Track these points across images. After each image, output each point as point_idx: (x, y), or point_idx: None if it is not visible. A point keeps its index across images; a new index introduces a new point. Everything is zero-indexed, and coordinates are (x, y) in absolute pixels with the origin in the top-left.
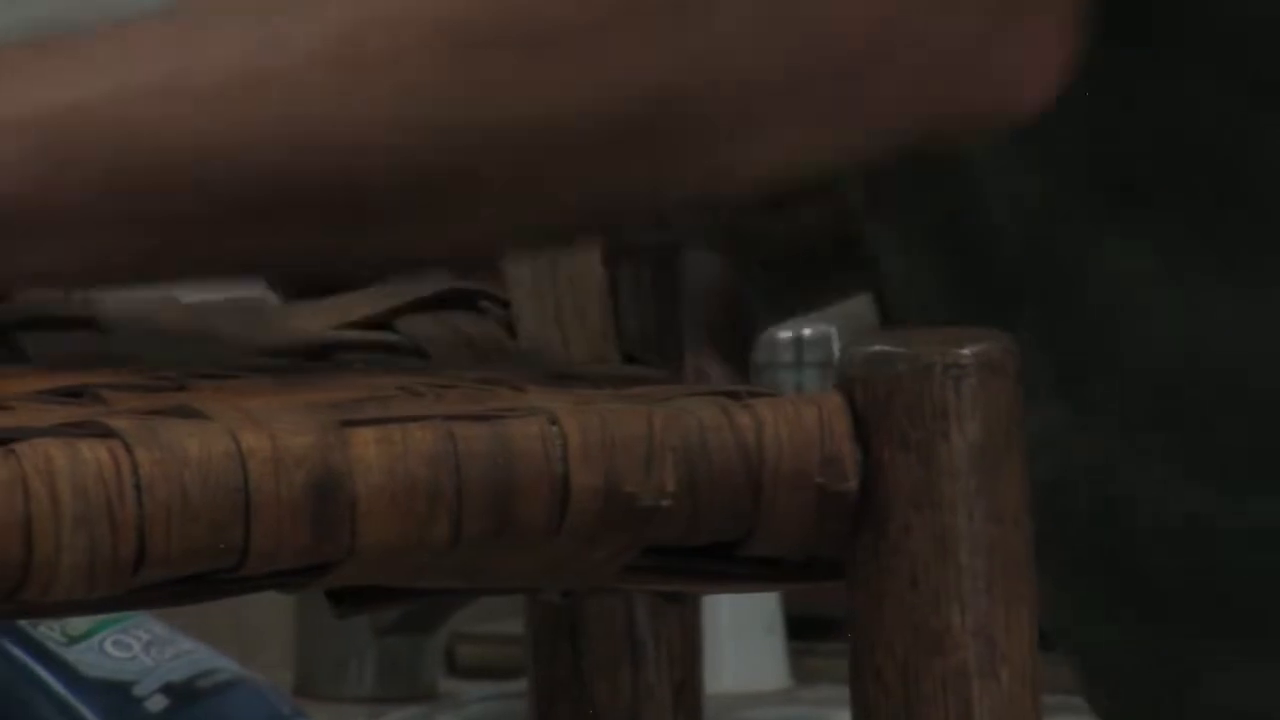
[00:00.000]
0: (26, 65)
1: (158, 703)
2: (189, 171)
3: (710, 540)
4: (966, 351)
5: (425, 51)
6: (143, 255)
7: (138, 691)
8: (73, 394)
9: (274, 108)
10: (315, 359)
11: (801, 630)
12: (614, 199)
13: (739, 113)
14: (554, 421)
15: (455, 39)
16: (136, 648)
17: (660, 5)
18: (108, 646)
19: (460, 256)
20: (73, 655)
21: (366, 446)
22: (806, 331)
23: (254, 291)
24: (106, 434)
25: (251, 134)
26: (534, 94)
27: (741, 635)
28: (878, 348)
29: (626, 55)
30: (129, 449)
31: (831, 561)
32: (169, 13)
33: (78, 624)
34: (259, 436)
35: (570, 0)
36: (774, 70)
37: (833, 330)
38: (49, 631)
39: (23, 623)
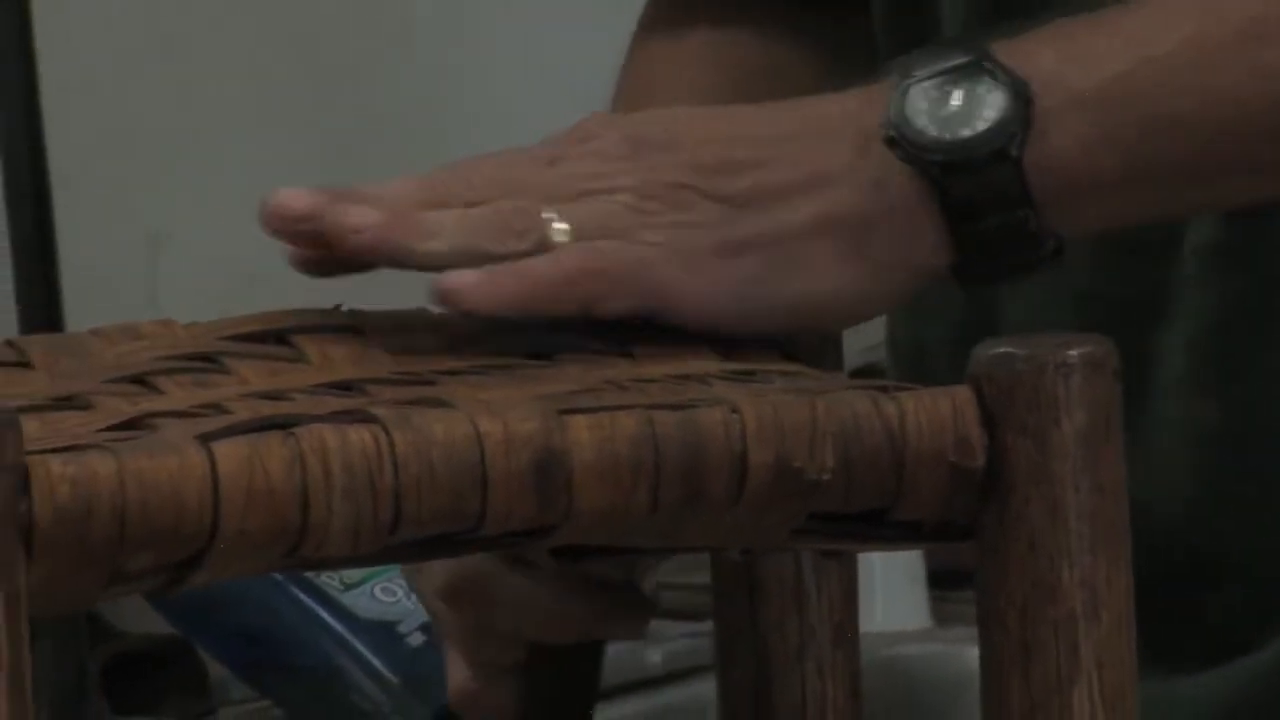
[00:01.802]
0: (1065, 42)
1: (416, 639)
2: (1209, 125)
3: (863, 508)
4: (1074, 353)
5: None
6: (1157, 206)
7: (401, 629)
8: (342, 387)
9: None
10: (539, 359)
11: (939, 581)
12: None
13: None
14: (735, 410)
15: None
16: (400, 594)
17: None
18: (376, 592)
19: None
20: (348, 600)
21: (580, 431)
22: None
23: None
24: (369, 420)
25: (1266, 82)
26: None
27: (890, 585)
28: (1002, 349)
29: None
30: (387, 432)
31: (963, 526)
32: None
33: (351, 574)
34: (493, 422)
35: None
36: None
37: None
38: (329, 580)
39: (308, 574)
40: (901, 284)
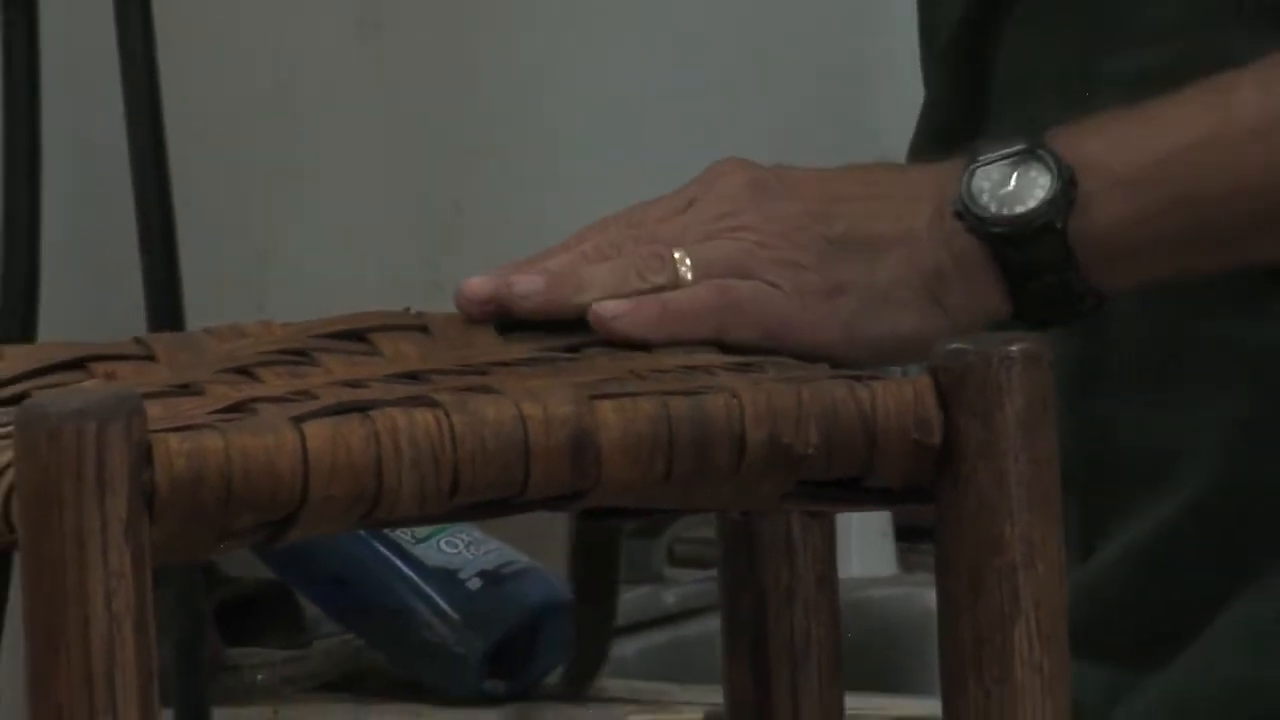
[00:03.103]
0: (1109, 133)
1: (475, 584)
2: (1227, 205)
3: (840, 476)
4: (1014, 349)
5: None
6: (1179, 268)
7: (461, 576)
8: (410, 377)
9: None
10: (573, 353)
11: (904, 535)
12: None
13: None
14: (735, 395)
15: None
16: (461, 546)
17: None
18: (441, 545)
19: None
20: (418, 551)
21: (607, 413)
22: None
23: None
24: (433, 404)
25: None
26: None
27: (863, 538)
28: (956, 345)
29: None
30: (447, 414)
31: (924, 491)
32: (1199, 87)
33: (420, 530)
34: (535, 406)
35: None
36: None
37: None
38: (402, 535)
39: (384, 530)
40: (969, 327)
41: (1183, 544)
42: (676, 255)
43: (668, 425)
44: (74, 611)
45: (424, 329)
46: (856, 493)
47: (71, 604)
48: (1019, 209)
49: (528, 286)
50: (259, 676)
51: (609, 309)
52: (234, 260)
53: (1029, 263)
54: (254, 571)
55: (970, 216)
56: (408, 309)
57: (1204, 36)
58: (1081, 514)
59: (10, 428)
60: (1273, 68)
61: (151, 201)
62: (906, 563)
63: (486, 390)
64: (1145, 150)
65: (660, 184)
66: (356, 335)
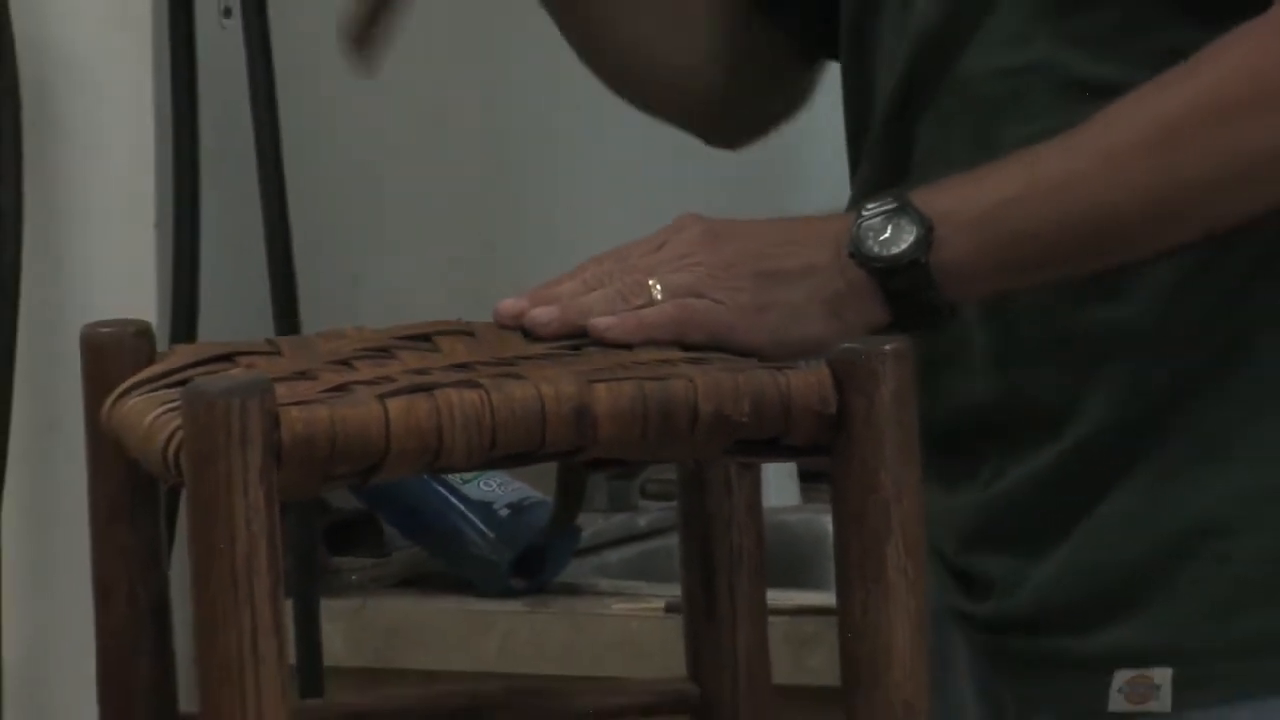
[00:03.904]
0: (954, 191)
1: (504, 512)
2: (1044, 235)
3: (765, 437)
4: (888, 348)
5: (1195, 136)
6: (1017, 283)
7: (495, 506)
8: (461, 367)
9: (1127, 179)
10: (576, 351)
11: (806, 477)
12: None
13: None
14: (691, 380)
15: (1216, 122)
16: (495, 485)
17: None
18: (481, 485)
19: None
20: (465, 489)
21: (600, 392)
22: None
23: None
24: (477, 386)
25: (1126, 191)
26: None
27: (778, 479)
28: (847, 346)
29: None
30: (487, 393)
31: (824, 447)
32: (1013, 156)
33: (467, 475)
34: (549, 387)
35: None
36: None
37: None
38: (454, 478)
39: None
40: (860, 332)
41: (1064, 473)
42: (650, 282)
43: (643, 401)
44: (223, 533)
45: (471, 333)
46: (775, 449)
47: (221, 527)
48: (894, 250)
49: (545, 316)
50: (353, 577)
51: (602, 324)
52: (335, 281)
53: (903, 287)
54: (350, 503)
55: (860, 255)
56: (459, 319)
57: (1088, 109)
58: (991, 451)
59: (179, 402)
60: (1072, 134)
61: (277, 238)
62: (808, 496)
63: (515, 376)
64: (981, 202)
65: (640, 228)
66: (423, 337)
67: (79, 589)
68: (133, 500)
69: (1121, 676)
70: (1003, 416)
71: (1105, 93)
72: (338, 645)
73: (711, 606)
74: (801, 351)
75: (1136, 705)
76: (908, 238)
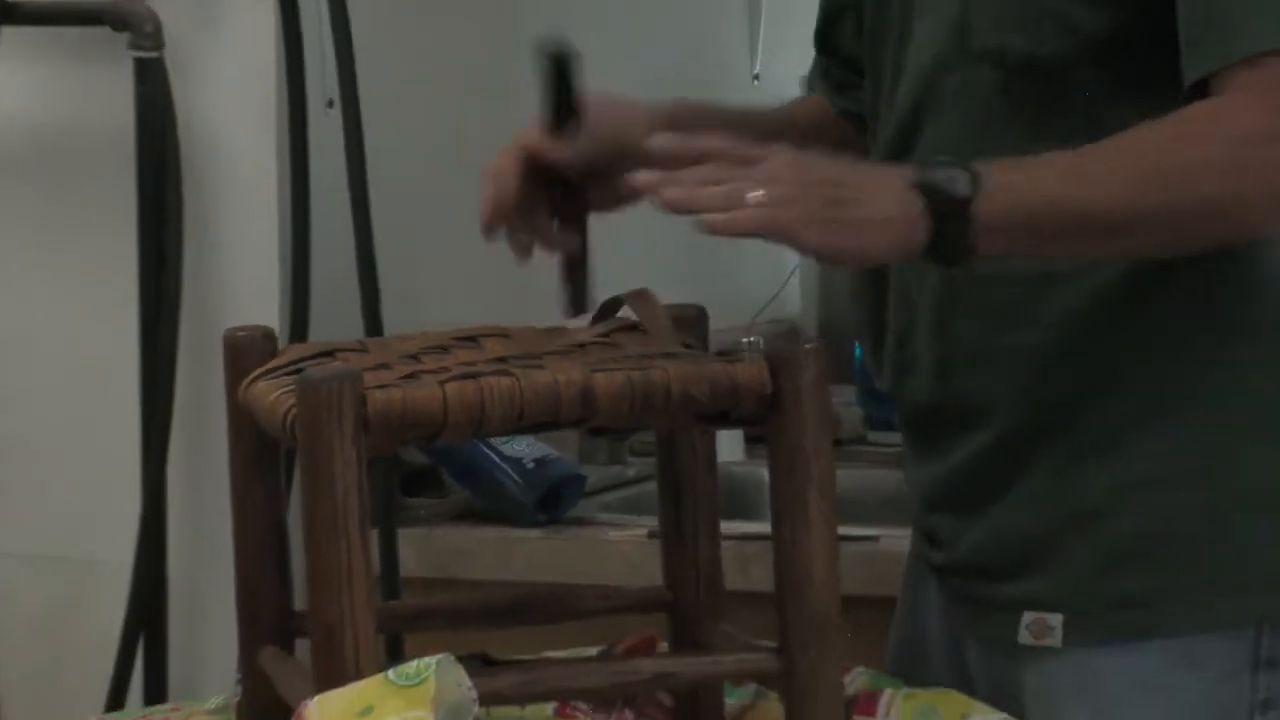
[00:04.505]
0: (1016, 169)
1: (531, 464)
2: (1077, 219)
3: (718, 411)
4: (808, 346)
5: (1185, 172)
6: (1029, 251)
7: (524, 460)
8: (499, 359)
9: (1118, 192)
10: (583, 348)
11: (749, 439)
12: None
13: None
14: (665, 370)
15: (1154, 170)
16: (524, 445)
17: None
18: (514, 445)
19: (1159, 254)
20: (503, 448)
21: (600, 379)
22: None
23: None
24: (509, 374)
25: (1107, 202)
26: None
27: (729, 440)
28: (778, 345)
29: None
30: (517, 379)
31: (762, 419)
32: (1078, 150)
33: (504, 438)
34: (563, 375)
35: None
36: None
37: (760, 340)
38: (494, 441)
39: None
40: (903, 248)
41: (989, 457)
42: (749, 190)
43: (630, 386)
44: (325, 481)
45: (507, 335)
46: (727, 420)
47: (324, 478)
48: (953, 188)
49: (674, 195)
50: (421, 512)
51: (711, 219)
52: (407, 296)
53: (948, 218)
54: (418, 458)
55: (924, 185)
56: (497, 324)
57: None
58: (940, 437)
59: (294, 386)
60: (1094, 151)
61: (367, 267)
62: (751, 454)
63: (538, 367)
64: (1018, 180)
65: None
66: (471, 338)
67: (223, 522)
68: (261, 457)
69: (1029, 617)
70: (946, 412)
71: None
72: (410, 561)
73: (680, 533)
74: (851, 260)
75: (1038, 640)
76: (963, 183)
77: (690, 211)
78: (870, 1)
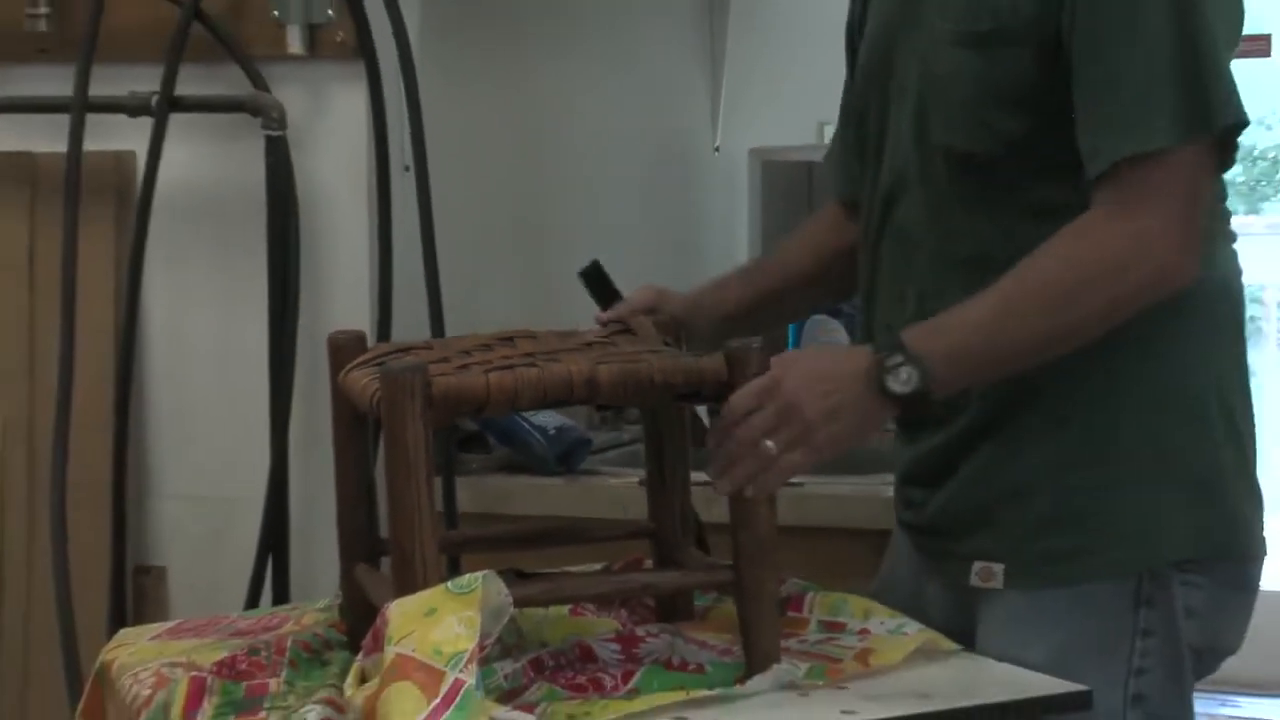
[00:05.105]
0: (942, 332)
1: (552, 431)
2: (1010, 349)
3: (689, 392)
4: (755, 344)
5: (1059, 304)
6: (981, 381)
7: (548, 428)
8: (528, 355)
9: (1036, 325)
10: (590, 347)
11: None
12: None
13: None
14: (651, 363)
15: (1057, 297)
16: (547, 416)
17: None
18: (540, 417)
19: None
20: (532, 419)
21: (603, 370)
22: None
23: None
24: (535, 366)
25: (1030, 334)
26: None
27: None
28: (734, 343)
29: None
30: (541, 370)
31: (721, 398)
32: (991, 291)
33: (532, 411)
34: (575, 367)
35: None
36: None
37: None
38: (526, 414)
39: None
40: (879, 427)
41: (951, 444)
42: (766, 443)
43: (625, 374)
44: (401, 445)
45: (534, 336)
46: (696, 398)
47: (400, 441)
48: (908, 389)
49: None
50: (473, 465)
51: (760, 486)
52: (462, 306)
53: (911, 404)
54: (470, 426)
55: (887, 394)
56: (526, 328)
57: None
58: (917, 428)
59: (379, 375)
60: (994, 293)
61: (433, 288)
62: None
63: (557, 361)
64: (958, 339)
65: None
66: (507, 339)
67: (329, 472)
68: (355, 426)
69: (978, 565)
70: (923, 411)
71: (986, 240)
72: (465, 501)
73: (662, 481)
74: (851, 447)
75: (984, 583)
76: (915, 379)
77: (739, 493)
78: (858, 88)
